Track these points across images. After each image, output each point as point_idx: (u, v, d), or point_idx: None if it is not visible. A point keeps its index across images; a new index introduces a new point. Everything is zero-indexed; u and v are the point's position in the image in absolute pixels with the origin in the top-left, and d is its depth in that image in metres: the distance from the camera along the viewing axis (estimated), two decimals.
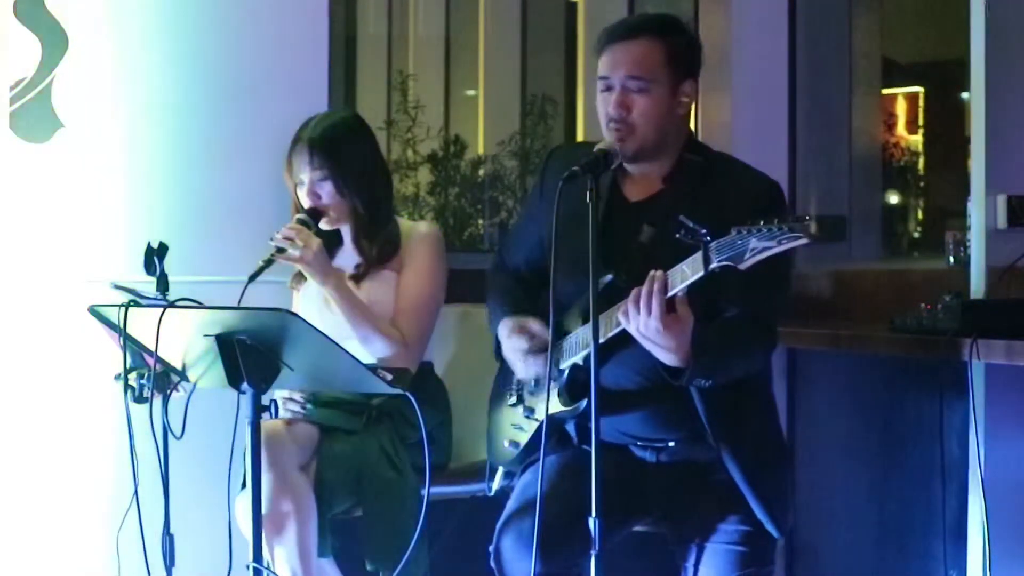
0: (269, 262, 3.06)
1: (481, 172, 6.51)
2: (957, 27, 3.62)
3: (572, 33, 7.07)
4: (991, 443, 3.07)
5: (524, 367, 2.83)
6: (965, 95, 3.84)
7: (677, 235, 2.44)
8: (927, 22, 7.26)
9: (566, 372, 2.76)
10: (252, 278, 2.97)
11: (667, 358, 2.56)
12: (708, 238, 2.42)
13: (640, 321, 2.50)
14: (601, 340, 2.58)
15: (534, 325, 2.81)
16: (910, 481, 3.57)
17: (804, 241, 2.35)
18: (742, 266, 2.39)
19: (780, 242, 2.35)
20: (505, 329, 2.87)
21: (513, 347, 2.84)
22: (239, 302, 2.81)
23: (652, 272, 2.51)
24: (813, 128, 4.65)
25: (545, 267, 2.76)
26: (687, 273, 2.47)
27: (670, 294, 2.49)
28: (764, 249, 2.37)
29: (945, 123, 8.48)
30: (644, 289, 2.50)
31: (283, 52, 3.61)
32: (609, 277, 2.67)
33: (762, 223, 2.37)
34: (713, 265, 2.41)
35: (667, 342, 2.52)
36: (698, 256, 2.44)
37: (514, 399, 2.90)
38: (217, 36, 3.55)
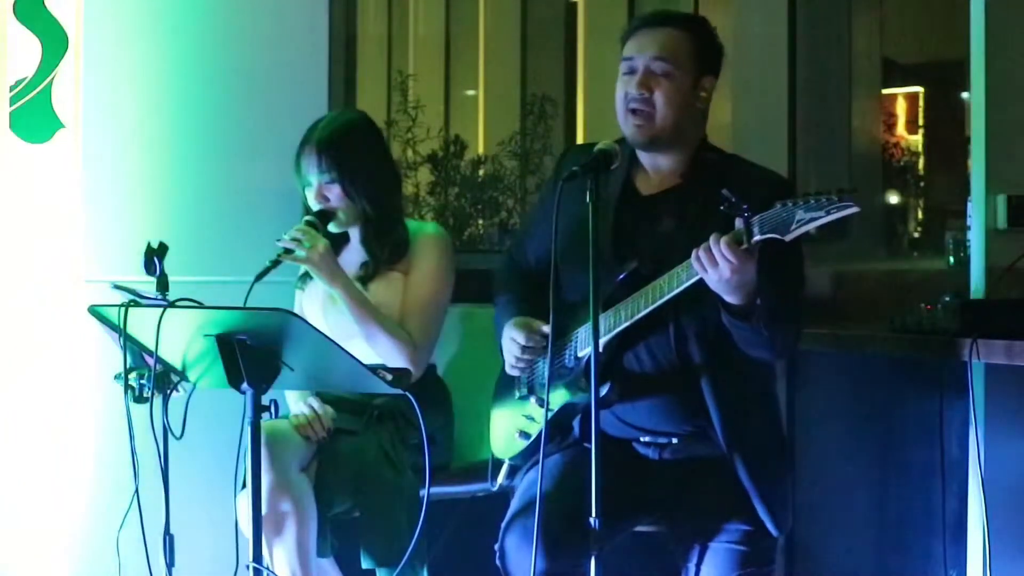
0: (276, 263, 3.07)
1: (481, 172, 6.50)
2: (957, 27, 3.63)
3: (572, 33, 7.08)
4: (991, 443, 3.07)
5: (515, 361, 2.84)
6: (965, 95, 3.84)
7: (721, 207, 2.43)
8: (927, 22, 7.25)
9: (584, 360, 2.75)
10: (258, 278, 2.99)
11: (738, 295, 2.51)
12: (749, 213, 2.42)
13: (724, 260, 2.44)
14: (636, 317, 2.62)
15: (543, 327, 2.80)
16: (910, 481, 3.57)
17: (855, 210, 2.33)
18: (787, 237, 2.38)
19: (829, 212, 2.34)
20: (511, 322, 2.87)
21: (511, 337, 2.84)
22: (245, 302, 2.82)
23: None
24: (813, 128, 4.64)
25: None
26: None
27: (745, 246, 2.44)
28: (812, 220, 2.36)
29: (945, 123, 8.47)
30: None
31: (283, 52, 3.61)
32: (634, 264, 2.68)
33: (809, 195, 2.36)
34: (756, 238, 2.41)
35: (748, 274, 2.46)
36: (740, 231, 2.43)
37: (524, 391, 2.89)
38: (217, 36, 3.55)
